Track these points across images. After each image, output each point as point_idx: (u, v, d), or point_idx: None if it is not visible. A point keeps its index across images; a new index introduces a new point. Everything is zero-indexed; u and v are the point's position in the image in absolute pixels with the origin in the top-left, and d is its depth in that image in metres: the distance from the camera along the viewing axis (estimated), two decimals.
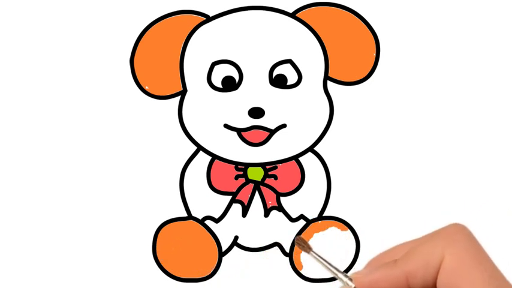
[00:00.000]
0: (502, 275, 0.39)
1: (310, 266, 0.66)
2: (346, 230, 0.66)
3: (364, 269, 0.43)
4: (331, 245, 0.66)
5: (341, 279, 0.43)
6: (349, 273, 0.43)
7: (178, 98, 0.66)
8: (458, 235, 0.40)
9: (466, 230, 0.41)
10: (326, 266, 0.44)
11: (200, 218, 0.66)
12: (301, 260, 0.65)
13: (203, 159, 0.66)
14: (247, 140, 0.65)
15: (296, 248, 0.65)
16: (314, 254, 0.45)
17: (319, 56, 0.66)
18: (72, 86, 0.66)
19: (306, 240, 0.46)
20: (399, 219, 0.65)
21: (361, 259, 0.65)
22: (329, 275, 0.65)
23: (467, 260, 0.39)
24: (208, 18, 0.66)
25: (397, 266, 0.41)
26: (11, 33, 0.66)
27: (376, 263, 0.43)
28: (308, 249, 0.46)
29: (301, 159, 0.66)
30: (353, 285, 0.42)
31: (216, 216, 0.66)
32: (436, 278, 0.40)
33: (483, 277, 0.39)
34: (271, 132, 0.65)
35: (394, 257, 0.42)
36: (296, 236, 0.47)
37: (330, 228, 0.66)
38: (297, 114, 0.65)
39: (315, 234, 0.66)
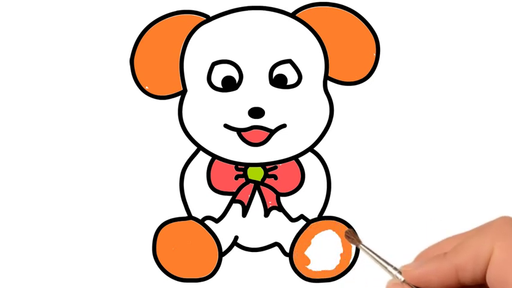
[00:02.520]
0: None
1: (315, 261, 0.66)
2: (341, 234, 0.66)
3: (413, 262, 0.44)
4: (328, 247, 0.66)
5: (390, 273, 0.43)
6: (398, 267, 0.43)
7: (178, 98, 0.66)
8: (507, 228, 0.40)
9: None
10: (375, 259, 0.44)
11: (200, 218, 0.66)
12: (307, 255, 0.66)
13: (203, 159, 0.66)
14: (247, 140, 0.65)
15: (296, 248, 0.65)
16: (363, 247, 0.45)
17: (319, 56, 0.66)
18: (72, 86, 0.66)
19: (356, 233, 0.47)
20: (399, 219, 0.65)
21: (361, 259, 0.65)
22: (331, 275, 0.66)
23: None
24: (208, 18, 0.66)
25: (447, 259, 0.41)
26: (11, 33, 0.66)
27: (426, 256, 0.44)
28: (357, 242, 0.46)
29: (301, 159, 0.66)
30: (402, 279, 0.43)
31: (216, 216, 0.66)
32: (485, 271, 0.40)
33: None
34: (271, 132, 0.65)
35: (444, 250, 0.42)
36: (346, 230, 0.47)
37: (326, 231, 0.66)
38: (297, 114, 0.65)
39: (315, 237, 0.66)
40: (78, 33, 0.66)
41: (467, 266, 0.40)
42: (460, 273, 0.41)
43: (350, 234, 0.46)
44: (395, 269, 0.43)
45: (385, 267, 0.43)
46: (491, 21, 0.66)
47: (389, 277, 0.44)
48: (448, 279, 0.41)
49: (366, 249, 0.45)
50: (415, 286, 0.42)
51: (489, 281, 0.40)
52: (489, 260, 0.40)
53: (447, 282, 0.41)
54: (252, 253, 0.66)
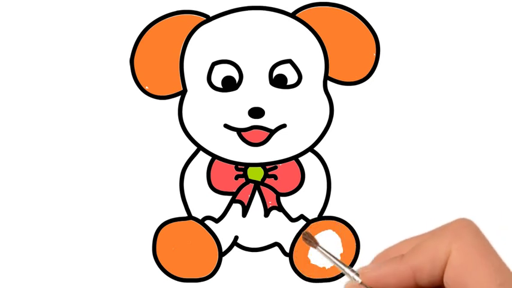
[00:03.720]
0: (508, 269, 0.39)
1: (317, 259, 0.66)
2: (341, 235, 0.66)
3: (370, 264, 0.44)
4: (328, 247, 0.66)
5: (348, 274, 0.43)
6: (355, 268, 0.43)
7: (178, 98, 0.66)
8: (465, 230, 0.40)
9: (472, 224, 0.41)
10: (333, 261, 0.44)
11: (200, 218, 0.66)
12: (309, 256, 0.66)
13: (203, 159, 0.66)
14: (247, 140, 0.65)
15: (296, 247, 0.65)
16: (321, 249, 0.45)
17: (319, 56, 0.66)
18: (72, 86, 0.66)
19: (313, 235, 0.47)
20: (399, 219, 0.65)
21: (361, 259, 0.65)
22: (331, 275, 0.66)
23: (473, 255, 0.39)
24: (208, 18, 0.66)
25: (404, 261, 0.41)
26: (11, 33, 0.66)
27: (383, 258, 0.44)
28: (315, 244, 0.46)
29: (301, 159, 0.66)
30: (360, 280, 0.43)
31: (216, 216, 0.66)
32: (443, 273, 0.40)
33: (489, 272, 0.39)
34: (271, 132, 0.65)
35: (401, 252, 0.42)
36: (303, 231, 0.47)
37: (326, 231, 0.66)
38: (297, 114, 0.65)
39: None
40: (78, 33, 0.66)
41: (424, 268, 0.40)
42: (418, 275, 0.41)
43: (307, 236, 0.46)
44: (352, 271, 0.43)
45: (343, 269, 0.43)
46: (491, 21, 0.66)
47: (346, 279, 0.44)
48: (405, 281, 0.41)
49: (323, 251, 0.45)
50: None
51: (446, 283, 0.40)
52: (446, 262, 0.40)
53: (404, 284, 0.41)
54: (252, 253, 0.66)
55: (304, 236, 0.46)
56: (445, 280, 0.40)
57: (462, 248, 0.39)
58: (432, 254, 0.40)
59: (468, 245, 0.40)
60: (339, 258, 0.45)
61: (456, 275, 0.39)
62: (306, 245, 0.47)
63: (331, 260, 0.44)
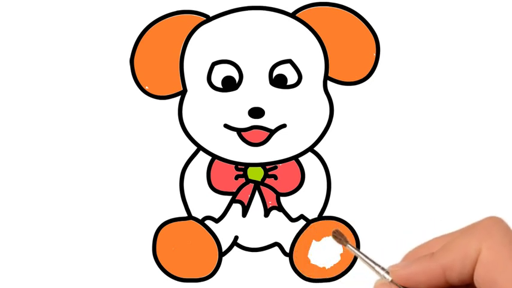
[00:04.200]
0: None
1: (317, 259, 0.66)
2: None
3: (401, 261, 0.44)
4: (328, 247, 0.66)
5: (378, 272, 0.43)
6: (386, 266, 0.43)
7: (178, 98, 0.66)
8: (495, 228, 0.40)
9: (503, 223, 0.41)
10: (363, 259, 0.44)
11: (200, 218, 0.66)
12: (309, 256, 0.66)
13: (203, 159, 0.66)
14: (247, 140, 0.65)
15: (296, 247, 0.66)
16: (351, 247, 0.45)
17: (319, 56, 0.66)
18: (72, 86, 0.66)
19: (343, 233, 0.47)
20: (399, 219, 0.65)
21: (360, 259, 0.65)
22: (331, 275, 0.66)
23: (504, 253, 0.39)
24: (208, 18, 0.66)
25: (434, 259, 0.41)
26: (11, 33, 0.66)
27: (413, 256, 0.44)
28: (345, 241, 0.46)
29: (301, 159, 0.66)
30: (390, 278, 0.43)
31: (216, 216, 0.66)
32: (473, 271, 0.40)
33: None
34: (271, 132, 0.65)
35: (431, 250, 0.42)
36: (334, 229, 0.47)
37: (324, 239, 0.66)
38: (297, 114, 0.65)
39: (313, 242, 0.66)
40: (78, 34, 0.66)
41: (454, 266, 0.41)
42: (448, 273, 0.41)
43: (337, 234, 0.46)
44: (382, 269, 0.43)
45: (373, 267, 0.44)
46: (491, 21, 0.66)
47: (377, 277, 0.44)
48: (435, 279, 0.41)
49: (353, 249, 0.45)
50: (402, 286, 0.42)
51: (477, 281, 0.40)
52: (476, 260, 0.40)
53: (435, 282, 0.41)
54: (252, 253, 0.66)
55: (334, 234, 0.46)
56: (475, 278, 0.40)
57: (492, 246, 0.40)
58: (462, 252, 0.40)
59: (498, 243, 0.40)
60: (338, 259, 0.45)
61: (486, 272, 0.39)
62: (336, 242, 0.47)
63: (361, 257, 0.44)
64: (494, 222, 0.41)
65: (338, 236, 0.46)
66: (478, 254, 0.40)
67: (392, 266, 0.43)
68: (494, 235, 0.40)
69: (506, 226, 0.41)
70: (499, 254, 0.39)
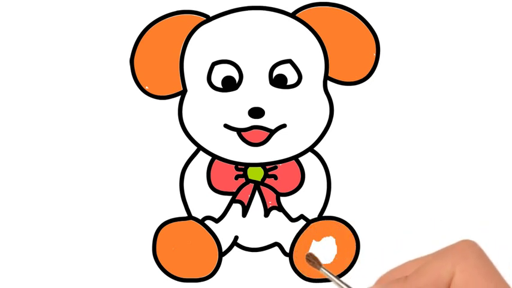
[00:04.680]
0: None
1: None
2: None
3: (375, 285, 0.44)
4: (329, 253, 0.66)
5: None
6: (363, 287, 0.43)
7: (178, 98, 0.66)
8: (468, 251, 0.40)
9: (476, 246, 0.41)
10: (336, 282, 0.44)
11: (200, 218, 0.66)
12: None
13: (203, 159, 0.66)
14: (247, 140, 0.65)
15: (296, 247, 0.65)
16: (324, 270, 0.45)
17: (319, 56, 0.66)
18: (72, 86, 0.66)
19: (316, 256, 0.47)
20: (399, 219, 0.65)
21: (361, 259, 0.65)
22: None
23: (477, 277, 0.39)
24: (208, 18, 0.66)
25: (408, 283, 0.41)
26: (11, 33, 0.66)
27: (387, 279, 0.44)
28: (318, 265, 0.46)
29: (301, 159, 0.66)
30: None
31: (216, 216, 0.66)
32: None
33: None
34: (271, 132, 0.65)
35: (405, 273, 0.42)
36: (307, 253, 0.48)
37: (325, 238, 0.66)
38: (297, 114, 0.65)
39: (313, 242, 0.66)
40: (78, 33, 0.66)
41: None
42: None
43: (311, 257, 0.47)
44: None
45: None
46: (491, 21, 0.66)
47: None
48: None
49: (327, 273, 0.45)
50: None
51: None
52: (450, 283, 0.40)
53: None
54: (252, 253, 0.66)
55: (307, 258, 0.47)
56: None
57: (466, 270, 0.40)
58: (436, 276, 0.40)
59: (471, 267, 0.40)
60: (342, 280, 0.45)
61: None
62: (310, 266, 0.47)
63: (334, 280, 0.44)
64: (468, 246, 0.41)
65: (312, 260, 0.47)
66: (451, 277, 0.40)
67: None
68: (467, 258, 0.40)
69: (479, 249, 0.41)
70: (472, 277, 0.39)
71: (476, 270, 0.40)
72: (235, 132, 0.65)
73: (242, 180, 0.66)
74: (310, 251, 0.48)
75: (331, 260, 0.65)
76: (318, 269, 0.46)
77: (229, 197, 0.66)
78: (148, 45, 0.66)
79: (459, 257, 0.40)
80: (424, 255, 0.44)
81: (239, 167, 0.66)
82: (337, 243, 0.66)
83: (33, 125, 0.66)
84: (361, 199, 0.66)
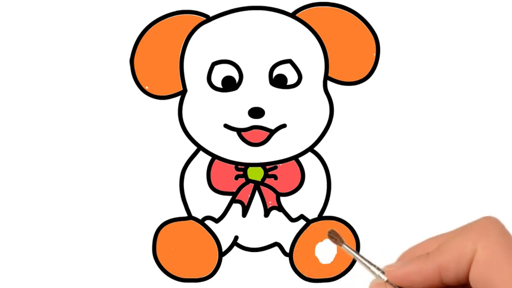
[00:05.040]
0: None
1: (315, 261, 0.66)
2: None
3: (396, 262, 0.44)
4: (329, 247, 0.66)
5: (373, 272, 0.43)
6: (381, 266, 0.43)
7: (178, 98, 0.66)
8: (491, 228, 0.40)
9: (498, 223, 0.41)
10: (358, 259, 0.44)
11: (200, 218, 0.66)
12: (316, 254, 0.65)
13: (203, 159, 0.66)
14: (247, 140, 0.65)
15: (296, 247, 0.65)
16: (346, 247, 0.45)
17: (319, 56, 0.66)
18: (72, 86, 0.66)
19: (338, 233, 0.47)
20: (399, 219, 0.65)
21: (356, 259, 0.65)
22: (331, 275, 0.66)
23: (499, 253, 0.39)
24: (208, 18, 0.66)
25: (430, 259, 0.41)
26: (11, 33, 0.66)
27: (409, 255, 0.44)
28: (340, 241, 0.46)
29: (301, 159, 0.66)
30: (385, 279, 0.43)
31: (216, 216, 0.66)
32: (468, 271, 0.40)
33: None
34: (271, 132, 0.65)
35: (426, 250, 0.42)
36: (329, 229, 0.47)
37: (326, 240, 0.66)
38: (297, 114, 0.65)
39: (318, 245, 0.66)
40: (78, 34, 0.66)
41: (450, 266, 0.41)
42: (443, 273, 0.41)
43: (333, 234, 0.46)
44: (378, 269, 0.43)
45: (368, 267, 0.44)
46: (491, 21, 0.66)
47: (372, 277, 0.44)
48: (431, 279, 0.41)
49: (349, 249, 0.45)
50: (398, 286, 0.42)
51: (472, 281, 0.40)
52: (472, 260, 0.40)
53: (430, 282, 0.41)
54: (252, 253, 0.66)
55: (330, 234, 0.46)
56: (470, 278, 0.40)
57: (488, 246, 0.40)
58: (458, 252, 0.40)
59: (494, 243, 0.40)
60: (364, 257, 0.45)
61: (482, 272, 0.39)
62: (332, 242, 0.47)
63: (356, 257, 0.44)
64: (489, 222, 0.41)
65: (334, 236, 0.46)
66: (473, 253, 0.40)
67: (388, 266, 0.43)
68: (490, 235, 0.40)
69: (501, 226, 0.41)
70: (495, 254, 0.39)
71: (498, 246, 0.39)
72: (235, 132, 0.65)
73: (242, 180, 0.66)
74: (318, 251, 0.48)
75: (331, 260, 0.65)
76: (340, 245, 0.46)
77: (229, 197, 0.66)
78: (148, 45, 0.66)
79: (481, 234, 0.40)
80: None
81: (239, 167, 0.66)
82: None
83: (33, 125, 0.66)
84: (361, 199, 0.66)
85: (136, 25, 0.66)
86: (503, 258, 0.39)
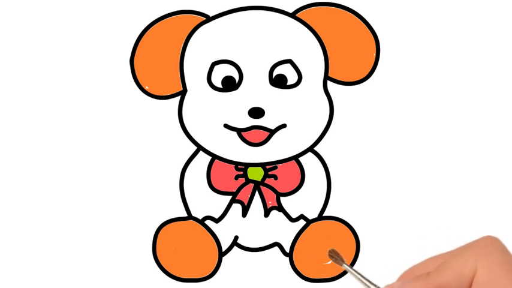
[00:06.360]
0: None
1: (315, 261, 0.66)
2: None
3: (396, 281, 0.44)
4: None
5: None
6: (382, 286, 0.43)
7: (178, 98, 0.66)
8: (491, 248, 0.40)
9: (498, 242, 0.41)
10: (359, 278, 0.44)
11: (200, 218, 0.66)
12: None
13: (203, 159, 0.66)
14: (247, 140, 0.65)
15: (296, 247, 0.65)
16: (347, 266, 0.46)
17: (319, 56, 0.66)
18: (72, 86, 0.66)
19: (339, 252, 0.47)
20: (399, 219, 0.65)
21: (361, 259, 0.65)
22: (331, 275, 0.66)
23: (499, 273, 0.39)
24: (208, 18, 0.66)
25: (430, 279, 0.41)
26: (11, 33, 0.66)
27: (409, 275, 0.44)
28: (341, 261, 0.46)
29: (301, 159, 0.66)
30: None
31: (216, 216, 0.66)
32: None
33: None
34: (271, 132, 0.65)
35: (427, 269, 0.42)
36: (330, 249, 0.48)
37: None
38: (297, 114, 0.65)
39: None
40: (78, 33, 0.66)
41: (450, 285, 0.40)
42: None
43: (334, 254, 0.47)
44: None
45: (369, 287, 0.44)
46: (491, 21, 0.66)
47: None
48: None
49: (350, 269, 0.45)
50: None
51: None
52: (472, 279, 0.40)
53: None
54: (252, 253, 0.66)
55: (330, 254, 0.47)
56: None
57: (488, 266, 0.39)
58: (458, 272, 0.40)
59: (494, 263, 0.39)
60: (364, 276, 0.45)
61: None
62: (333, 262, 0.47)
63: (357, 277, 0.44)
64: (490, 242, 0.41)
65: (334, 256, 0.46)
66: (474, 273, 0.40)
67: (389, 286, 0.43)
68: (490, 254, 0.40)
69: (502, 246, 0.41)
70: (495, 274, 0.39)
71: (499, 266, 0.39)
72: (235, 132, 0.65)
73: (242, 180, 0.66)
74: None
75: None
76: (341, 265, 0.46)
77: (229, 197, 0.66)
78: (148, 45, 0.66)
79: (481, 253, 0.40)
80: (426, 255, 0.44)
81: (239, 167, 0.66)
82: (337, 243, 0.66)
83: (33, 125, 0.66)
84: (361, 199, 0.66)
85: (136, 25, 0.66)
86: (504, 278, 0.39)
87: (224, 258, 0.66)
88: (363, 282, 0.44)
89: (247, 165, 0.66)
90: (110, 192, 0.65)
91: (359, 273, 0.44)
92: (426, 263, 0.44)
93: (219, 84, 0.65)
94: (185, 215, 0.66)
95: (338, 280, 0.65)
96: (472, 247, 0.41)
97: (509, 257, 0.40)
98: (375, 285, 0.43)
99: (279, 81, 0.65)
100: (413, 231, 0.65)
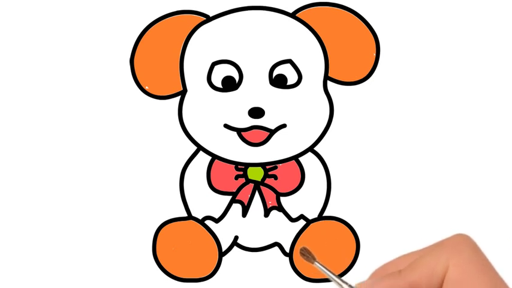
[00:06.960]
0: (505, 285, 0.40)
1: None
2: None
3: (368, 279, 0.44)
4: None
5: None
6: (353, 284, 0.43)
7: (178, 98, 0.66)
8: (463, 246, 0.40)
9: (470, 240, 0.41)
10: (330, 276, 0.44)
11: (200, 218, 0.66)
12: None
13: (203, 159, 0.66)
14: (247, 140, 0.65)
15: (296, 247, 0.65)
16: (318, 265, 0.45)
17: (319, 56, 0.66)
18: (72, 86, 0.66)
19: (310, 250, 0.47)
20: (399, 219, 0.65)
21: (361, 259, 0.65)
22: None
23: (471, 271, 0.39)
24: (208, 18, 0.66)
25: (402, 277, 0.41)
26: (11, 33, 0.66)
27: (381, 273, 0.44)
28: (312, 259, 0.46)
29: (301, 159, 0.66)
30: None
31: (216, 216, 0.66)
32: None
33: (486, 287, 0.39)
34: (271, 132, 0.65)
35: (399, 267, 0.42)
36: (301, 247, 0.47)
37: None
38: (297, 114, 0.65)
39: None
40: (78, 34, 0.66)
41: (421, 283, 0.41)
42: None
43: (305, 251, 0.46)
44: (350, 286, 0.43)
45: (340, 285, 0.44)
46: (491, 21, 0.66)
47: None
48: None
49: (321, 267, 0.45)
50: None
51: None
52: (444, 277, 0.40)
53: None
54: (252, 253, 0.66)
55: (301, 252, 0.46)
56: None
57: (460, 264, 0.40)
58: (430, 270, 0.40)
59: (466, 261, 0.40)
60: (335, 274, 0.45)
61: None
62: (304, 260, 0.47)
63: (328, 275, 0.44)
64: (462, 240, 0.41)
65: (306, 254, 0.46)
66: (445, 271, 0.40)
67: (360, 284, 0.43)
68: (462, 252, 0.40)
69: (473, 244, 0.41)
70: (466, 272, 0.39)
71: (470, 264, 0.39)
72: (235, 132, 0.65)
73: (242, 180, 0.66)
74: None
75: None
76: (312, 263, 0.46)
77: (229, 197, 0.66)
78: (148, 45, 0.66)
79: (453, 251, 0.40)
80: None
81: (239, 167, 0.66)
82: (337, 243, 0.66)
83: (33, 125, 0.66)
84: (361, 199, 0.66)
85: (136, 25, 0.66)
86: (475, 276, 0.39)
87: (224, 258, 0.66)
88: (335, 280, 0.44)
89: (247, 165, 0.66)
90: (110, 192, 0.65)
91: (331, 272, 0.44)
92: (398, 260, 0.44)
93: (219, 84, 0.65)
94: (185, 215, 0.66)
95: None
96: (444, 245, 0.41)
97: (480, 255, 0.40)
98: (346, 283, 0.43)
99: (279, 81, 0.65)
100: (413, 231, 0.65)
